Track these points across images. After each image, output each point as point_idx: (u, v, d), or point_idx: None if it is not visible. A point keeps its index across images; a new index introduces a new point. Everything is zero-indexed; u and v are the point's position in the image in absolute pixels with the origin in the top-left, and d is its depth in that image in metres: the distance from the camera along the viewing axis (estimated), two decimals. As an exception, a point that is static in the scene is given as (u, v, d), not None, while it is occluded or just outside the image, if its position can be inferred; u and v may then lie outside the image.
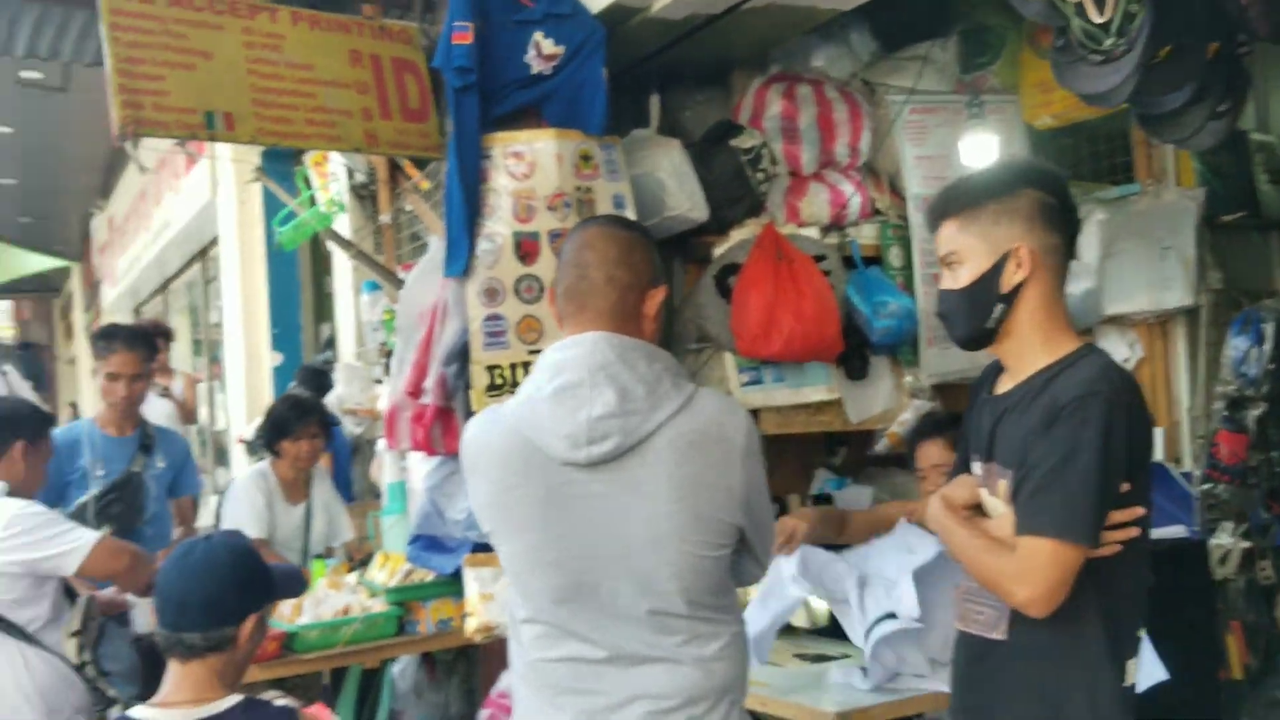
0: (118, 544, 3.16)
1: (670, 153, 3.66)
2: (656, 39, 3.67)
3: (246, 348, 8.11)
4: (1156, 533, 2.94)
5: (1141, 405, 1.97)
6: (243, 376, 8.15)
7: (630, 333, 1.95)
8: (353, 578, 4.13)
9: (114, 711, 3.16)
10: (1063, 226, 2.01)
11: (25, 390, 5.71)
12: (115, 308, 13.44)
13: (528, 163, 3.35)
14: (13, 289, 19.22)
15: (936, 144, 4.10)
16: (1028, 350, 2.02)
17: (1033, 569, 1.87)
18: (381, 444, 4.72)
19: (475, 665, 4.39)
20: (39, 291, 19.56)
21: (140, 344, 4.23)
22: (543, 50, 3.40)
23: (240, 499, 4.57)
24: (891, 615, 2.79)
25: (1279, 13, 2.54)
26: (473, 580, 3.46)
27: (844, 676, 2.93)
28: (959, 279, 2.03)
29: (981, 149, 4.01)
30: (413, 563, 3.88)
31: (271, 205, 6.61)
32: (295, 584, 2.47)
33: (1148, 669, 2.49)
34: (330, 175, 5.34)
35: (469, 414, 3.31)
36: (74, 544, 3.02)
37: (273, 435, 4.65)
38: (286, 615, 3.75)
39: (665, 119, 3.90)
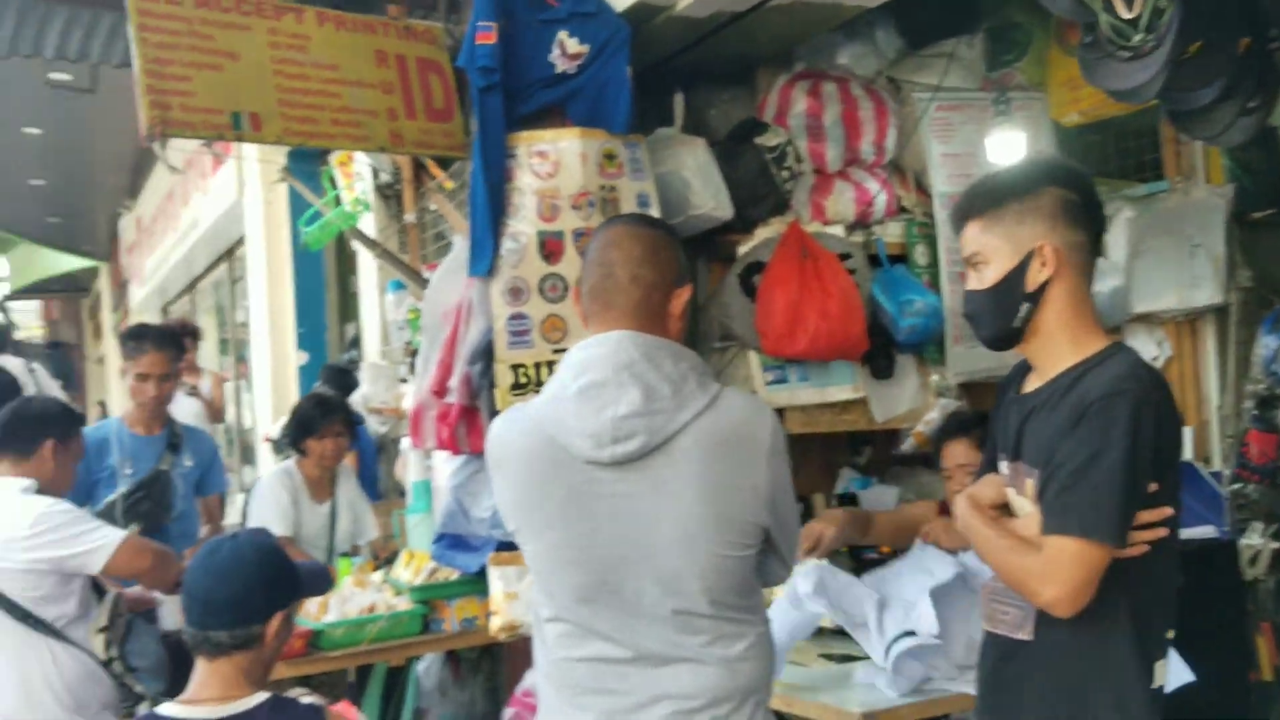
0: (143, 543, 3.18)
1: (695, 151, 3.66)
2: (681, 37, 3.67)
3: (273, 347, 8.16)
4: (1186, 533, 2.92)
5: (1170, 404, 1.96)
6: (269, 375, 8.20)
7: (656, 332, 1.95)
8: (378, 576, 4.15)
9: (142, 708, 3.18)
10: (1087, 224, 2.00)
11: (54, 389, 5.75)
12: (143, 307, 13.54)
13: (552, 162, 3.35)
14: (42, 289, 19.44)
15: (962, 141, 4.08)
16: (1055, 349, 2.01)
17: (1058, 569, 1.85)
18: (406, 442, 4.73)
19: (499, 663, 4.40)
20: (68, 291, 19.75)
21: (169, 344, 4.27)
22: (567, 49, 3.40)
23: (266, 497, 4.59)
24: (910, 633, 2.79)
25: (1311, 7, 2.51)
26: (497, 579, 3.47)
27: (870, 677, 2.92)
28: (984, 279, 2.03)
29: (1008, 146, 3.99)
30: (437, 561, 3.88)
31: (297, 205, 6.65)
32: (321, 581, 2.48)
33: (1174, 672, 2.47)
34: (355, 175, 5.36)
35: (493, 413, 3.32)
36: (99, 542, 3.04)
37: (298, 434, 4.68)
38: (313, 613, 3.76)
39: (690, 117, 3.89)
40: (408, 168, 5.31)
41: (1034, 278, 1.97)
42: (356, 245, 5.73)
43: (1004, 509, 2.06)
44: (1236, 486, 3.67)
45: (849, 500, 3.91)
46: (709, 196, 3.62)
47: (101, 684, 3.17)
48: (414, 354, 4.48)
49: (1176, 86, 2.59)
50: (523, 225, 3.35)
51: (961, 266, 2.18)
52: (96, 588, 3.23)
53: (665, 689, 1.89)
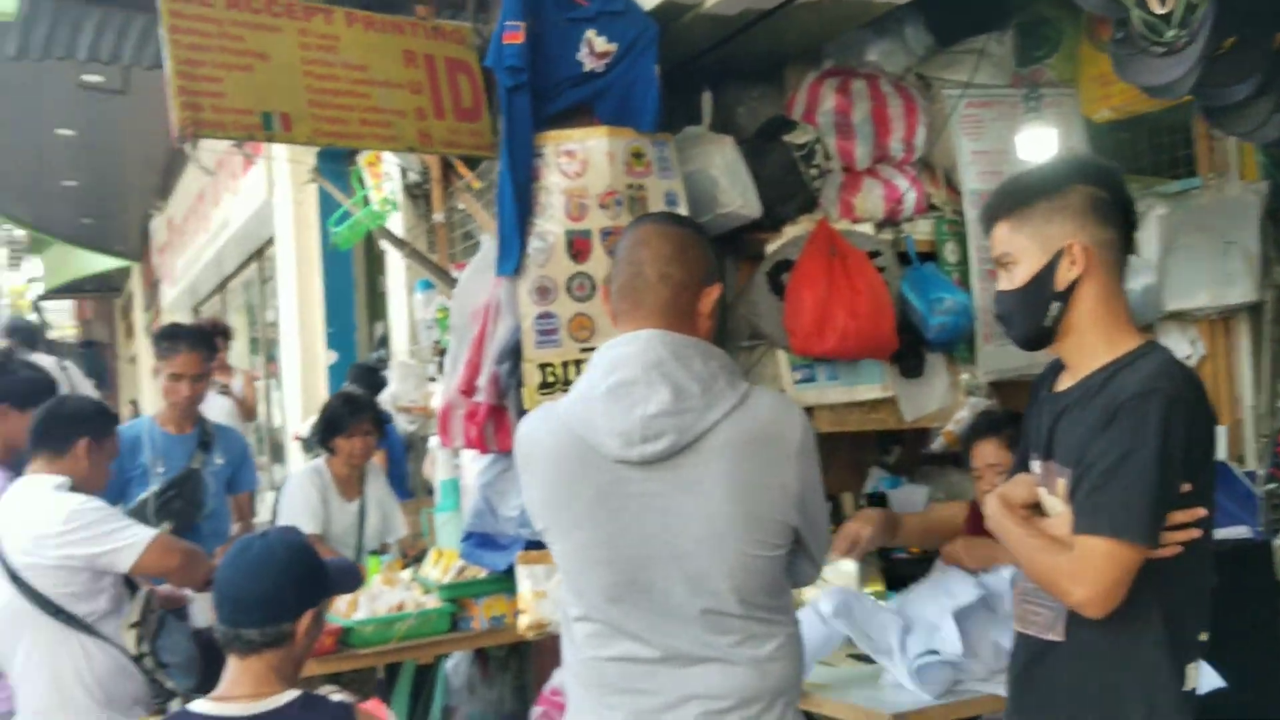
0: (172, 542, 3.20)
1: (723, 149, 3.65)
2: (709, 35, 3.66)
3: (302, 346, 8.22)
4: (1219, 533, 2.90)
5: (1203, 403, 1.94)
6: (298, 374, 8.26)
7: (685, 330, 1.95)
8: (407, 574, 4.17)
9: (174, 704, 3.21)
10: (1118, 221, 1.99)
11: (86, 387, 5.82)
12: (174, 307, 13.67)
13: (580, 161, 3.35)
14: (75, 289, 19.66)
15: (993, 138, 4.05)
16: (1088, 348, 1.99)
17: (1089, 569, 1.84)
18: (434, 441, 4.75)
19: (527, 662, 4.41)
20: (100, 291, 19.96)
21: (202, 344, 4.32)
22: (595, 48, 3.40)
23: (295, 495, 4.63)
24: (933, 652, 2.80)
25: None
26: (525, 577, 3.47)
27: (900, 678, 2.90)
28: (1014, 279, 2.02)
29: (1039, 143, 3.96)
30: (466, 559, 3.90)
31: (327, 205, 6.69)
32: (350, 579, 2.49)
33: (1204, 678, 2.46)
34: (383, 175, 5.39)
35: (521, 412, 3.32)
36: (129, 541, 3.07)
37: (327, 432, 4.71)
38: (342, 610, 3.79)
39: (718, 115, 3.89)
40: (436, 167, 5.33)
41: (1064, 276, 1.97)
42: (385, 245, 5.76)
43: (1035, 508, 2.04)
44: (1271, 486, 3.63)
45: (878, 500, 3.89)
46: (737, 195, 3.61)
47: (133, 679, 3.19)
48: (442, 353, 4.49)
49: (1210, 82, 2.57)
50: (550, 224, 3.35)
51: (992, 264, 2.17)
52: (129, 583, 3.25)
53: (694, 689, 1.88)
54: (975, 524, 3.28)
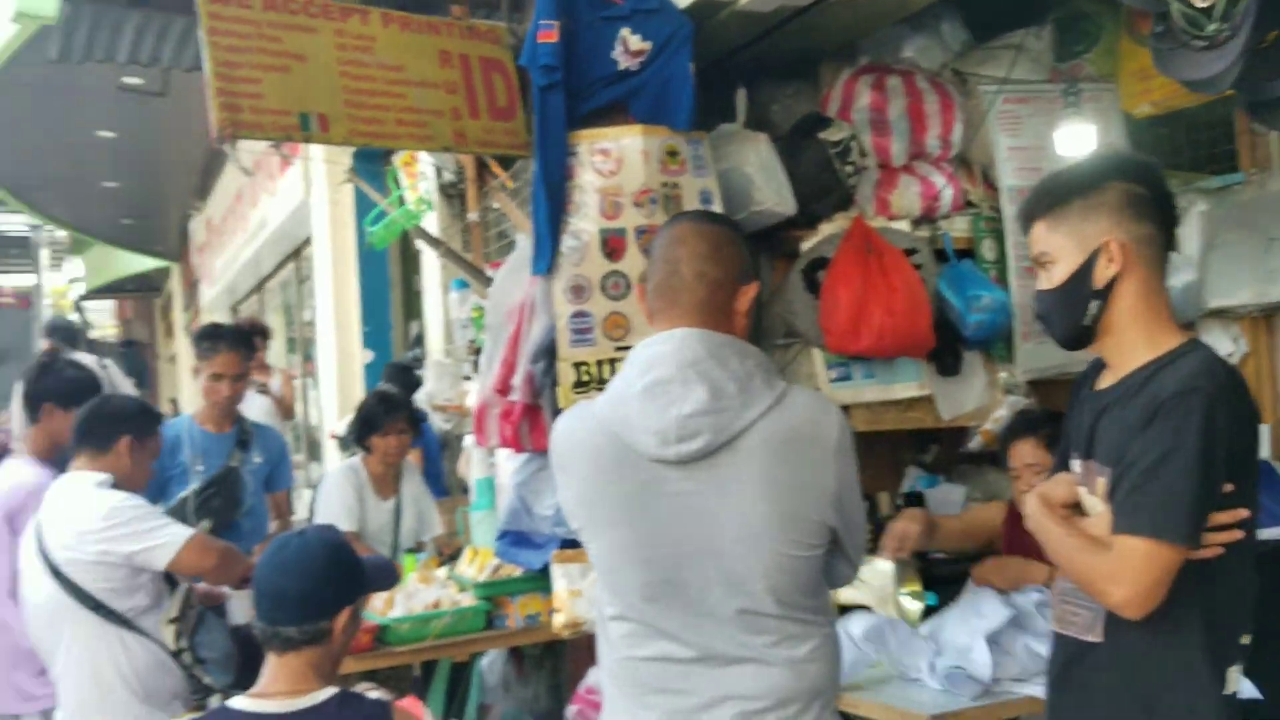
0: (208, 542, 3.23)
1: (757, 147, 3.63)
2: (744, 32, 3.65)
3: (339, 345, 8.28)
4: (1263, 534, 2.84)
5: (1246, 402, 1.92)
6: (335, 373, 8.32)
7: (721, 329, 1.94)
8: (442, 572, 4.19)
9: (213, 700, 3.24)
10: (1156, 216, 1.97)
11: (126, 386, 5.88)
12: (213, 306, 13.81)
13: (614, 159, 3.35)
14: (116, 289, 19.92)
15: (1031, 134, 4.01)
16: (1129, 346, 1.98)
17: (1128, 569, 1.83)
18: (469, 440, 4.77)
19: (562, 660, 4.42)
20: (140, 291, 20.20)
21: (242, 344, 4.38)
22: (630, 46, 3.40)
23: (331, 493, 4.66)
24: (959, 667, 2.82)
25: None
26: (560, 576, 3.48)
27: (943, 681, 2.88)
28: (1053, 279, 2.01)
29: (1077, 139, 3.91)
30: (501, 558, 3.91)
31: (362, 206, 6.73)
32: (387, 576, 2.51)
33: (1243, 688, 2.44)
34: (419, 175, 5.42)
35: (556, 411, 3.32)
36: (166, 539, 3.10)
37: (363, 431, 4.74)
38: (379, 608, 3.81)
39: (752, 113, 3.87)
40: (471, 167, 5.35)
41: (1101, 274, 1.96)
42: (420, 244, 5.79)
43: (1076, 508, 2.03)
44: (1316, 486, 3.58)
45: (915, 499, 3.87)
46: (772, 192, 3.59)
47: (171, 674, 3.23)
48: (477, 352, 4.51)
49: (1252, 77, 2.53)
50: (585, 223, 3.35)
51: (1030, 261, 2.16)
52: (169, 579, 3.29)
53: (731, 689, 1.88)
54: (1013, 525, 3.26)
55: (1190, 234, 3.76)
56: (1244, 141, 3.91)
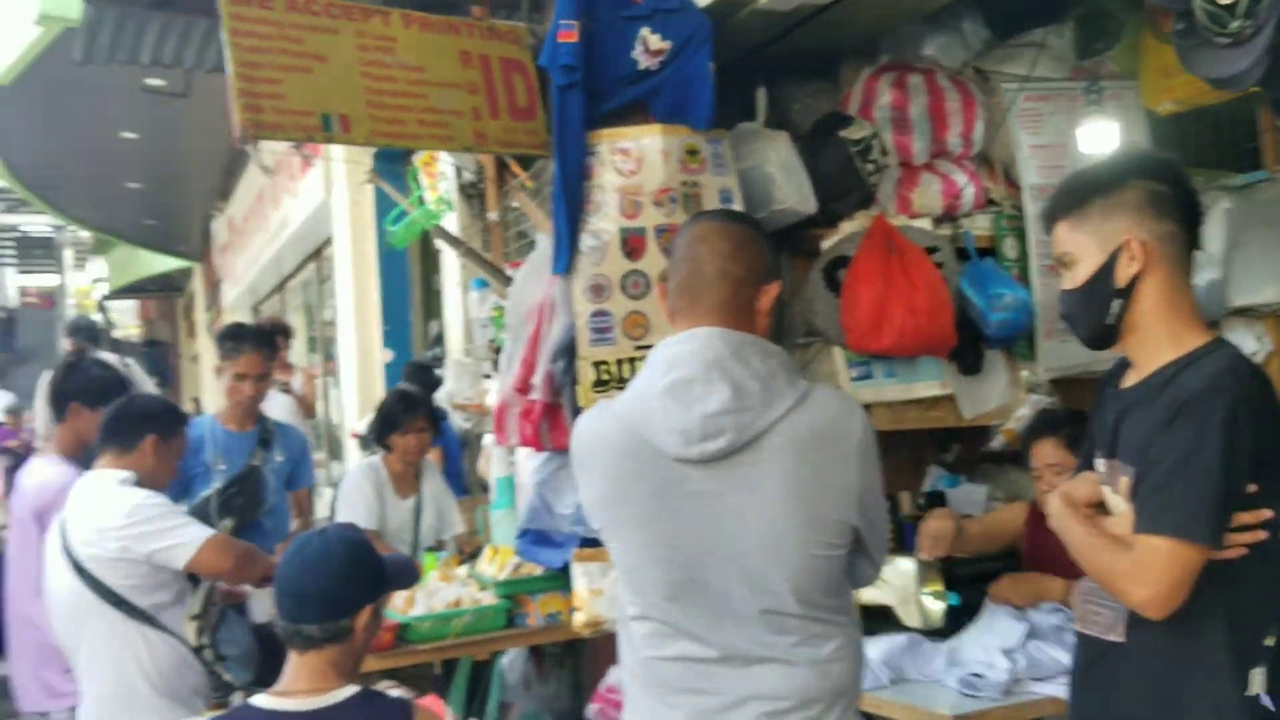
0: (227, 543, 3.24)
1: (778, 145, 3.63)
2: (764, 31, 3.65)
3: (359, 344, 8.30)
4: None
5: (1271, 401, 1.91)
6: (355, 372, 8.35)
7: (743, 328, 1.94)
8: (463, 570, 4.20)
9: (235, 698, 3.26)
10: (1179, 214, 1.97)
11: (148, 385, 5.92)
12: (235, 306, 13.89)
13: (634, 158, 3.35)
14: (139, 289, 20.06)
15: (1053, 132, 3.99)
16: (1153, 345, 1.97)
17: (1149, 569, 1.83)
18: (489, 438, 4.78)
19: (583, 659, 4.42)
20: (163, 291, 20.34)
21: (265, 344, 4.40)
22: (650, 46, 3.40)
23: (352, 492, 4.68)
24: (978, 675, 2.84)
25: None
26: (581, 575, 3.48)
27: (958, 682, 2.88)
28: (1075, 278, 2.01)
29: (1100, 136, 3.89)
30: (521, 557, 3.92)
31: (383, 206, 6.75)
32: (408, 575, 2.52)
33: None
34: (439, 174, 5.43)
35: (576, 410, 3.33)
36: (185, 539, 3.11)
37: (383, 429, 4.75)
38: (400, 607, 3.82)
39: (773, 111, 3.87)
40: (491, 166, 5.36)
41: (1123, 273, 1.95)
42: (440, 244, 5.80)
43: (1100, 507, 2.02)
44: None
45: (936, 498, 3.85)
46: (793, 191, 3.59)
47: (193, 671, 3.25)
48: (497, 351, 4.51)
49: (1277, 73, 2.51)
50: (605, 223, 3.35)
51: (1051, 259, 2.15)
52: (192, 576, 3.31)
53: (754, 689, 1.87)
54: (1035, 525, 3.24)
55: (1214, 232, 3.73)
56: (1268, 138, 3.89)
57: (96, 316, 20.96)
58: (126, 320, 25.71)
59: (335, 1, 3.37)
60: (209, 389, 15.40)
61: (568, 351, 3.39)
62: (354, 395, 8.39)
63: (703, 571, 1.88)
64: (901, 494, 3.87)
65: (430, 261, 7.60)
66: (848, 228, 3.73)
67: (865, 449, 1.91)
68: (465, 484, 6.19)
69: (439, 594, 3.91)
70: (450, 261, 6.50)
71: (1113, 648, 1.98)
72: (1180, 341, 1.94)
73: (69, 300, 26.04)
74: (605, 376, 3.32)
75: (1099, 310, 1.98)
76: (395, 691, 2.32)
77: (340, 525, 2.38)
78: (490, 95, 3.65)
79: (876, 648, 2.93)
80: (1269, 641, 1.93)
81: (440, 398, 5.71)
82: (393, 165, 5.85)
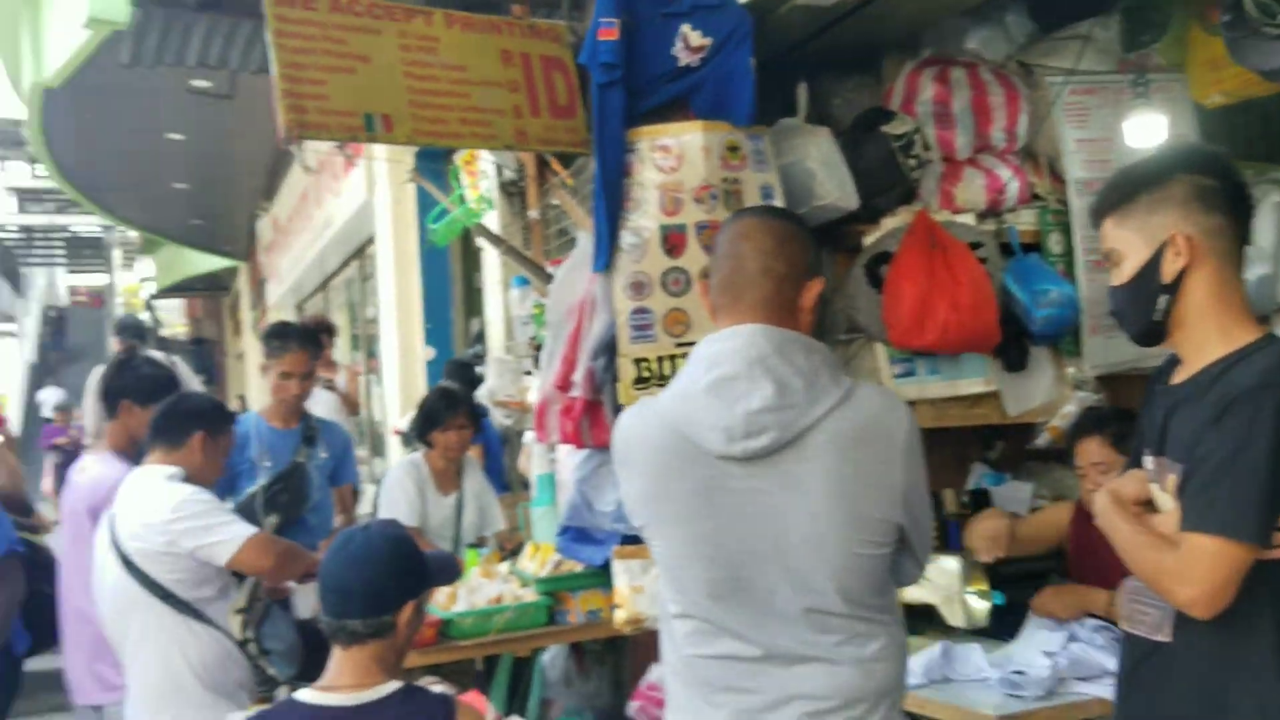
0: (268, 542, 3.26)
1: (819, 141, 3.61)
2: (805, 26, 3.63)
3: (401, 342, 8.37)
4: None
5: (1323, 399, 1.87)
6: (397, 370, 8.41)
7: (786, 325, 1.93)
8: (504, 567, 4.21)
9: (280, 693, 3.29)
10: (1227, 208, 1.94)
11: (194, 383, 6.00)
12: (279, 305, 14.03)
13: (675, 156, 3.35)
14: (185, 288, 20.33)
15: (1099, 126, 3.94)
16: (1202, 340, 1.94)
17: (1195, 568, 1.81)
18: (529, 435, 4.79)
19: (624, 656, 4.43)
20: (209, 290, 20.60)
21: (310, 343, 4.45)
22: (690, 42, 3.40)
23: (393, 489, 4.71)
24: (1020, 672, 2.84)
25: None
26: (622, 572, 3.48)
27: (1004, 685, 2.85)
28: (1122, 275, 2.00)
29: (1147, 129, 3.84)
30: (562, 554, 3.93)
31: (425, 204, 6.79)
32: (450, 571, 2.53)
33: None
34: (479, 173, 5.45)
35: (617, 407, 3.33)
36: (228, 537, 3.15)
37: (424, 427, 4.79)
38: (442, 603, 3.84)
39: (814, 107, 3.84)
40: (531, 164, 5.38)
41: (1169, 268, 1.94)
42: (481, 242, 5.83)
43: (1148, 505, 2.00)
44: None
45: (981, 496, 3.82)
46: (834, 187, 3.57)
47: (238, 664, 3.28)
48: (538, 349, 4.53)
49: (1330, 64, 2.47)
50: (645, 220, 3.35)
51: (1098, 255, 2.13)
52: (237, 571, 3.34)
53: (798, 689, 1.87)
54: (1080, 524, 3.21)
55: (1265, 226, 3.67)
56: (1321, 131, 3.82)
57: (144, 315, 21.27)
58: (173, 318, 26.07)
59: (378, 2, 3.39)
60: (254, 386, 15.57)
61: (608, 349, 3.39)
62: (396, 392, 8.45)
63: (746, 570, 1.87)
64: (945, 492, 3.84)
65: (471, 259, 7.63)
66: (890, 223, 3.70)
67: (910, 447, 1.90)
68: (506, 481, 6.22)
69: (481, 590, 3.93)
70: (491, 259, 6.53)
71: (1159, 648, 1.96)
72: (1230, 337, 1.92)
73: (117, 299, 26.44)
74: (646, 374, 3.32)
75: (1146, 306, 1.97)
76: (437, 687, 2.34)
77: (383, 521, 2.40)
78: (531, 93, 3.66)
79: (917, 661, 2.91)
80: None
81: (481, 395, 5.74)
82: (434, 164, 5.88)
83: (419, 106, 3.40)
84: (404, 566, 2.26)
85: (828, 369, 1.90)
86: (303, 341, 4.38)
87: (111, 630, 3.26)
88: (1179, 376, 2.00)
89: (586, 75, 3.47)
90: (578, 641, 4.28)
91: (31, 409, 20.95)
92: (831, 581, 1.85)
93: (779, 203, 3.40)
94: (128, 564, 3.14)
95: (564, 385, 3.53)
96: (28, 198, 23.20)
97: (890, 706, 1.91)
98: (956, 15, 3.85)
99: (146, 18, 4.86)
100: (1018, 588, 3.19)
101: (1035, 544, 3.32)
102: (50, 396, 17.67)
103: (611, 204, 3.35)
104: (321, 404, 6.10)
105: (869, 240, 3.71)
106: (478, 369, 6.41)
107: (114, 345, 8.05)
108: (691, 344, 2.45)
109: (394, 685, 2.20)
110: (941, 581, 3.14)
